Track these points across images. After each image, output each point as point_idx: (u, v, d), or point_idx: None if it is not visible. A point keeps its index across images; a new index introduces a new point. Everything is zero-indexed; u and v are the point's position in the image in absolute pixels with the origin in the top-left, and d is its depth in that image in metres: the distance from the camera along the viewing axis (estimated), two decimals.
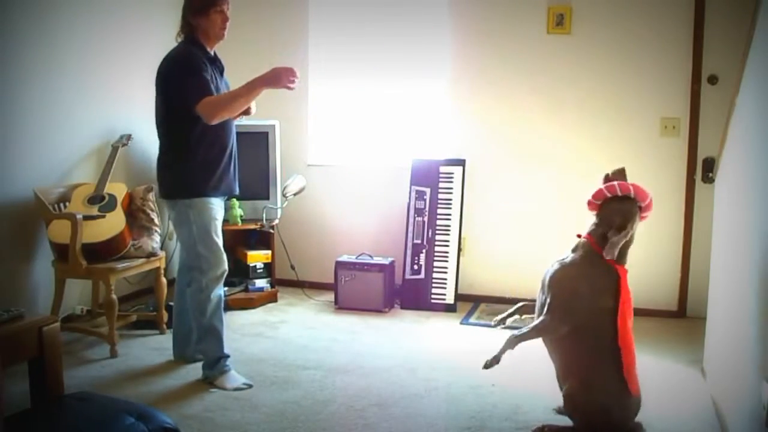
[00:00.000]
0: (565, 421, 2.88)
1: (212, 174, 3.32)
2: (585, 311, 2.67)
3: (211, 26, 3.29)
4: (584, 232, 2.80)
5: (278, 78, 3.18)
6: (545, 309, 2.71)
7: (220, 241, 3.37)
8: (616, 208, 2.70)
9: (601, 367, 2.62)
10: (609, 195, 2.72)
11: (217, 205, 3.37)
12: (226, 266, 3.40)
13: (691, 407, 3.12)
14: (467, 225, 4.81)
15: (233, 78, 5.24)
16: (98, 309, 4.09)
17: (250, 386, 3.31)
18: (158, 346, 3.90)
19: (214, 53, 3.41)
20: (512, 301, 4.80)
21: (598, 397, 2.59)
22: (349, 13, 5.09)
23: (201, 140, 3.27)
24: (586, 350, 2.66)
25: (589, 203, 2.79)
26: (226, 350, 3.40)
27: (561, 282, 2.71)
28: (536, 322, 2.74)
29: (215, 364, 3.36)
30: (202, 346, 3.41)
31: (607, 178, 2.81)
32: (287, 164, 5.00)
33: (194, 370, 3.54)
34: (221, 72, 3.44)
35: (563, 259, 2.78)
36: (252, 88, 3.22)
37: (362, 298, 4.64)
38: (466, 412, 3.07)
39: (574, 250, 2.78)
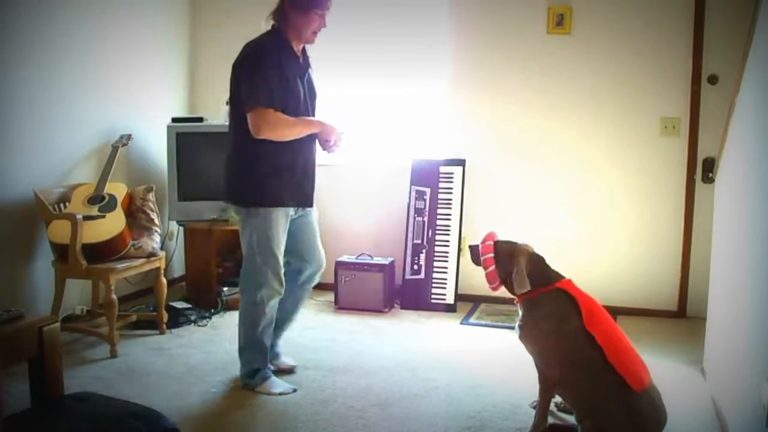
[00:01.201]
0: (567, 420, 2.89)
1: (281, 182, 3.13)
2: (559, 344, 2.68)
3: (305, 27, 3.10)
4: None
5: (331, 132, 3.18)
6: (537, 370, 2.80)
7: (280, 255, 3.18)
8: (501, 258, 2.84)
9: (600, 390, 2.57)
10: (492, 254, 2.86)
11: (282, 217, 3.16)
12: (282, 281, 3.23)
13: (691, 407, 3.12)
14: (467, 225, 4.81)
15: (227, 79, 5.24)
16: (98, 309, 4.08)
17: (295, 390, 3.25)
18: (158, 346, 3.90)
19: (303, 49, 3.24)
20: (512, 302, 4.84)
21: (608, 423, 2.55)
22: (349, 13, 5.08)
23: (272, 142, 3.06)
24: (580, 379, 2.63)
25: (494, 280, 2.90)
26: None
27: (528, 338, 2.79)
28: (539, 385, 2.79)
29: (255, 373, 3.28)
30: (246, 356, 3.30)
31: (474, 247, 2.96)
32: None
33: (195, 370, 3.54)
34: (305, 71, 3.23)
35: (518, 321, 2.84)
36: (310, 125, 3.16)
37: (362, 298, 4.64)
38: (466, 412, 3.07)
39: (520, 308, 2.86)
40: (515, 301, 2.87)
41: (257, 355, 3.29)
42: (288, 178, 3.15)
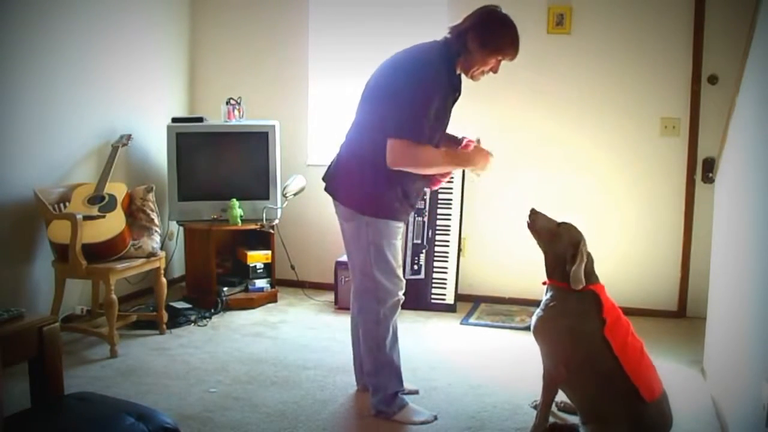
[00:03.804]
0: (567, 420, 2.88)
1: (405, 201, 2.94)
2: (574, 344, 2.66)
3: (477, 63, 2.87)
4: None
5: (485, 162, 2.95)
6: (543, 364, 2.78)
7: (397, 266, 2.98)
8: (561, 241, 2.76)
9: (609, 395, 2.58)
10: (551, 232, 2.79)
11: (398, 229, 2.97)
12: (402, 294, 3.04)
13: (691, 407, 3.12)
14: (467, 225, 4.81)
15: (227, 79, 5.30)
16: (98, 309, 4.09)
17: (436, 418, 3.01)
18: (158, 346, 3.90)
19: (460, 76, 2.96)
20: (512, 302, 4.86)
21: (615, 429, 2.55)
22: (349, 13, 5.09)
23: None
24: (589, 382, 2.63)
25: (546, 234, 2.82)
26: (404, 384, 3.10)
27: (543, 331, 2.76)
28: (542, 383, 2.77)
29: (392, 400, 3.02)
30: (377, 381, 3.04)
31: (534, 211, 2.87)
32: (287, 164, 5.00)
33: (195, 370, 3.54)
34: (455, 100, 2.98)
35: (538, 310, 2.81)
36: (457, 162, 2.96)
37: None
38: (466, 412, 3.07)
39: (545, 294, 2.82)
40: (544, 283, 2.82)
41: (390, 378, 3.03)
42: (408, 199, 2.97)
